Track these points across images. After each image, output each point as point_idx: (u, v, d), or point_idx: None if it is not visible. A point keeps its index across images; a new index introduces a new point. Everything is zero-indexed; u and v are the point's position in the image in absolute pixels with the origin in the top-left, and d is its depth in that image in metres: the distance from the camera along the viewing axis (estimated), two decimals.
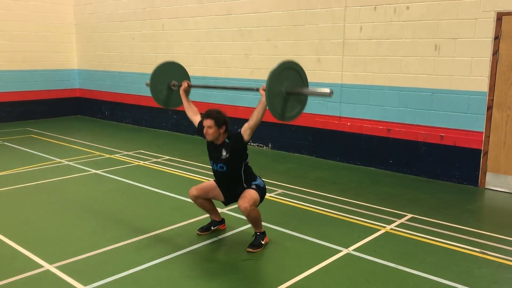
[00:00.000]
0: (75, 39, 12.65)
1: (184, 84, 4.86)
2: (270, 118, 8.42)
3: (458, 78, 6.45)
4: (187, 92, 4.87)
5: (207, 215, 4.94)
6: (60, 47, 12.43)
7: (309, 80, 7.69)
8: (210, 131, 4.20)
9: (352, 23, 7.39)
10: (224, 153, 4.30)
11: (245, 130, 4.28)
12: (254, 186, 4.36)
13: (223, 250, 4.35)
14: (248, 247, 4.39)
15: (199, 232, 4.65)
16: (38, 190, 6.12)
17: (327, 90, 3.98)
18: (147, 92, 10.77)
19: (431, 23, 6.59)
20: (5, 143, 9.06)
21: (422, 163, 6.93)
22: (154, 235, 4.65)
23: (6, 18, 11.31)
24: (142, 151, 8.45)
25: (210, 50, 9.46)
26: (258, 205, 4.35)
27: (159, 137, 10.05)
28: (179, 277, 3.78)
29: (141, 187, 6.29)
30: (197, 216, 5.12)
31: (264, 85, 4.02)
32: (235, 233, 4.72)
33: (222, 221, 4.79)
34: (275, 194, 6.01)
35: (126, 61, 11.39)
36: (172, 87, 5.07)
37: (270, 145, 8.81)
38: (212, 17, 9.31)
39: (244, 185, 4.37)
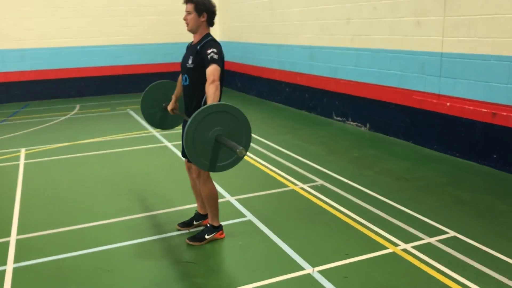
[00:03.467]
0: (219, 11, 12.97)
1: (171, 106, 4.13)
2: (367, 93, 7.31)
3: None
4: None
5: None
6: None
7: (408, 48, 6.32)
8: (189, 17, 3.63)
9: None
10: (190, 61, 3.67)
11: (210, 74, 3.45)
12: None
13: (177, 246, 3.89)
14: (188, 238, 3.89)
15: (178, 227, 4.17)
16: (97, 159, 6.51)
17: (237, 148, 3.02)
18: (267, 63, 10.53)
19: None
20: (131, 111, 9.96)
21: None
22: (144, 216, 4.45)
23: None
24: None
25: (316, 16, 8.54)
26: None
27: (266, 110, 9.68)
28: (101, 270, 3.51)
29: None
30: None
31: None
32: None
33: (206, 216, 4.21)
34: (308, 186, 5.14)
35: (251, 31, 11.21)
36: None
37: (368, 126, 7.61)
38: None
39: None
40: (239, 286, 3.25)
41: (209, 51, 3.55)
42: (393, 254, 3.64)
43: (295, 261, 3.56)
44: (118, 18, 12.04)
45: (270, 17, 10.14)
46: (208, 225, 3.94)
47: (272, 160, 6.13)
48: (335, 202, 4.67)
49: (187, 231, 4.12)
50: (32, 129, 8.52)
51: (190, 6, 3.64)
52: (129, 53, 12.33)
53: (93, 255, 3.75)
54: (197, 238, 3.90)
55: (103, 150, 6.89)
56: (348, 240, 3.89)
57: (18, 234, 4.15)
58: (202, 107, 3.21)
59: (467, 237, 3.85)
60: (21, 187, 5.38)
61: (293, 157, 6.24)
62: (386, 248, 3.72)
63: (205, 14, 3.65)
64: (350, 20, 7.65)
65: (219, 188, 5.14)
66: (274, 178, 5.46)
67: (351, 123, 7.96)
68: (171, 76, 12.85)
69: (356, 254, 3.64)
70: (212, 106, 3.23)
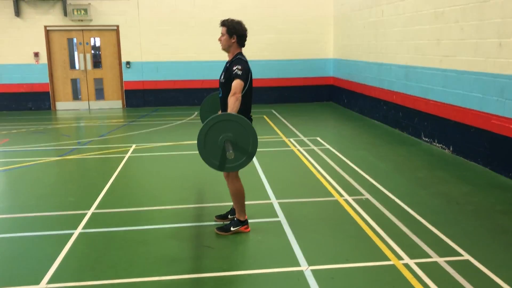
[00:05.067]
0: (333, 30, 13.41)
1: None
2: (452, 115, 7.13)
3: None
4: None
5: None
6: (318, 38, 13.49)
7: (490, 71, 6.17)
8: (222, 38, 4.27)
9: None
10: (222, 77, 4.32)
11: (233, 87, 4.05)
12: None
13: (207, 233, 4.50)
14: (216, 227, 4.50)
15: (216, 219, 4.78)
16: (186, 158, 7.45)
17: (228, 151, 3.71)
18: (369, 81, 10.67)
19: None
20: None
21: None
22: (194, 207, 5.20)
23: (273, 15, 13.18)
24: (319, 139, 8.63)
25: (412, 36, 8.50)
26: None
27: (361, 127, 9.80)
28: (137, 242, 4.30)
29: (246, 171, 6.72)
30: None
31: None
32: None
33: None
34: (353, 198, 5.36)
35: (358, 49, 11.40)
36: None
37: (451, 148, 7.36)
38: None
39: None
40: (236, 270, 3.76)
41: (234, 68, 4.14)
42: (392, 266, 3.78)
43: (297, 258, 3.93)
44: None
45: (374, 36, 10.29)
46: (235, 219, 4.50)
47: (333, 171, 6.41)
48: (368, 215, 4.84)
49: (221, 222, 4.72)
50: (150, 129, 9.95)
51: (223, 29, 4.29)
52: None
53: (138, 231, 4.58)
54: (224, 229, 4.47)
55: (195, 151, 7.82)
56: (356, 248, 4.11)
57: (96, 209, 5.18)
58: (215, 115, 3.81)
59: (481, 263, 3.78)
60: (117, 174, 6.53)
61: (356, 171, 6.44)
62: (388, 259, 3.87)
63: (235, 36, 4.27)
64: (440, 40, 7.53)
65: (269, 190, 5.68)
66: (325, 188, 5.77)
67: (437, 144, 7.77)
68: (283, 90, 13.72)
69: (356, 261, 3.87)
70: (223, 114, 3.83)
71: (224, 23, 4.28)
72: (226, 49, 4.33)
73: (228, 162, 3.91)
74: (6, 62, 12.76)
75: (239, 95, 4.05)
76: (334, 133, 9.65)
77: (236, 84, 4.07)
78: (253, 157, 3.97)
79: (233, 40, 4.28)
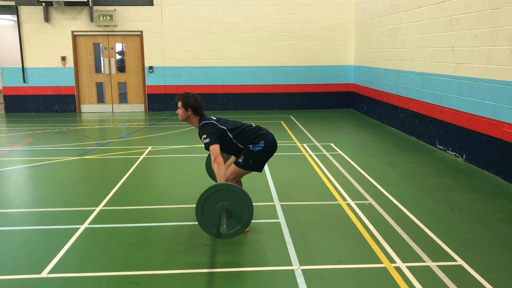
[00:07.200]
0: (354, 37, 13.40)
1: None
2: (465, 123, 7.06)
3: None
4: None
5: None
6: (339, 44, 13.51)
7: (502, 78, 6.16)
8: (179, 111, 4.52)
9: None
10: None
11: (211, 154, 4.28)
12: (240, 159, 4.47)
13: (203, 232, 4.56)
14: None
15: None
16: (199, 159, 7.53)
17: (222, 225, 3.88)
18: (387, 88, 10.62)
19: None
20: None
21: None
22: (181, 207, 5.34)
23: (294, 21, 13.27)
24: (332, 145, 8.65)
25: (428, 43, 8.45)
26: (242, 173, 4.54)
27: (377, 134, 9.76)
28: (140, 239, 4.46)
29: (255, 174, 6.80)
30: None
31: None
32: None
33: None
34: (356, 203, 5.37)
35: (377, 56, 11.37)
36: None
37: (464, 156, 7.26)
38: (431, 6, 8.28)
39: (248, 145, 4.47)
40: (227, 267, 3.85)
41: (202, 140, 4.37)
42: (383, 269, 3.80)
43: (290, 258, 4.00)
44: (260, 43, 13.36)
45: (393, 43, 10.25)
46: None
47: (341, 176, 6.44)
48: (368, 219, 4.86)
49: None
50: (168, 132, 10.18)
51: (179, 103, 4.50)
52: (267, 74, 13.56)
53: (140, 228, 4.73)
54: None
55: (205, 154, 7.97)
56: (350, 251, 4.15)
57: (104, 206, 5.37)
58: (209, 187, 4.03)
59: (473, 268, 3.77)
60: (129, 174, 6.73)
61: (364, 176, 6.45)
62: (380, 262, 3.90)
63: (190, 109, 4.47)
64: (454, 48, 7.47)
65: (274, 193, 5.76)
66: (330, 192, 5.81)
67: (451, 152, 7.68)
68: (303, 96, 13.77)
69: (348, 263, 3.91)
70: (221, 184, 4.04)
71: (179, 98, 4.51)
72: (184, 120, 4.56)
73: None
74: (35, 66, 13.29)
75: (219, 158, 4.24)
76: (349, 139, 9.65)
77: (211, 151, 4.28)
78: (248, 225, 4.14)
79: (189, 113, 4.49)
